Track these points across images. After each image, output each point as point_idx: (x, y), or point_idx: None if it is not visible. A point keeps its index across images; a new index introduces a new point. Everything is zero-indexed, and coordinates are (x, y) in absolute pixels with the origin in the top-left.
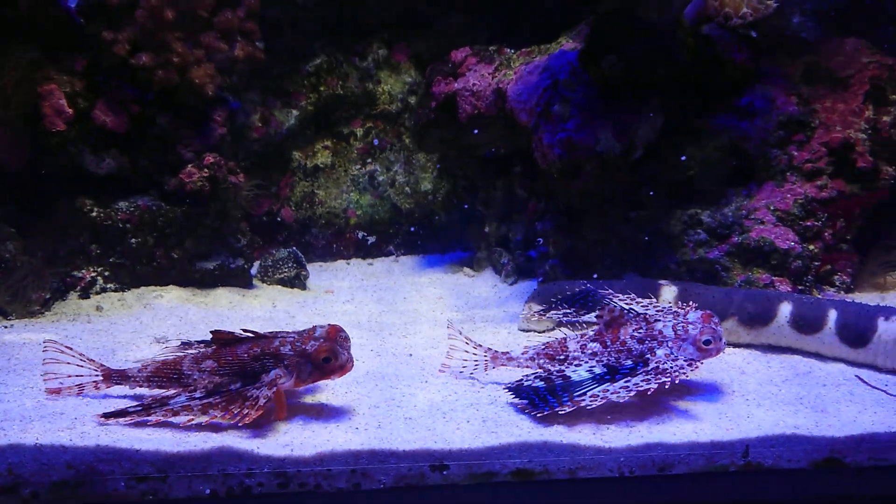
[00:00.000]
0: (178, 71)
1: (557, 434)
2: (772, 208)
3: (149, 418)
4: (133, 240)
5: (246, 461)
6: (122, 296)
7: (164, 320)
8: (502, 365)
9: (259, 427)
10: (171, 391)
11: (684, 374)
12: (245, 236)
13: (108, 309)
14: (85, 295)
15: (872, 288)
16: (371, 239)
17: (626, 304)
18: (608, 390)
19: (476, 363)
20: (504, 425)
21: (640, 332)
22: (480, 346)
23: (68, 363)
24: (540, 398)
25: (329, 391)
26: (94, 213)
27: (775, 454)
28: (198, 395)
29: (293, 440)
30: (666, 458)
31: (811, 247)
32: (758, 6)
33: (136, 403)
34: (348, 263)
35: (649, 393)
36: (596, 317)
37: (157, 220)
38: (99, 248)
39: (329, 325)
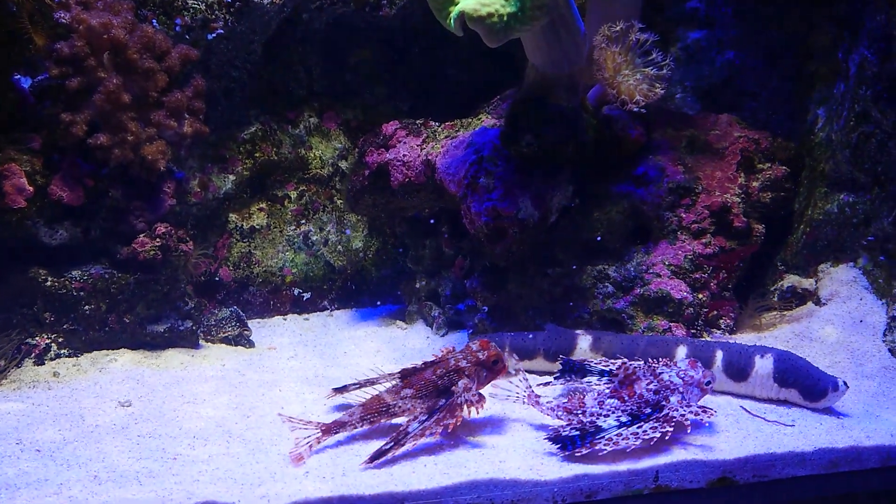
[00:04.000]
0: (132, 148)
1: (501, 471)
2: (667, 263)
3: (405, 448)
4: (86, 307)
5: None
6: (77, 361)
7: (121, 384)
8: (532, 405)
9: (454, 436)
10: (384, 421)
11: (701, 420)
12: (192, 300)
13: (64, 375)
14: (40, 361)
15: (751, 329)
16: (306, 295)
17: (605, 366)
18: (621, 435)
19: (517, 395)
20: (454, 466)
21: (654, 385)
22: (524, 382)
23: (296, 427)
24: (571, 442)
25: (294, 445)
26: (49, 283)
27: (679, 477)
28: (423, 417)
29: (268, 491)
30: (592, 486)
31: (700, 296)
32: (648, 93)
33: (387, 441)
34: (285, 319)
35: (652, 442)
36: (610, 376)
37: (111, 288)
38: (52, 315)
39: (479, 339)
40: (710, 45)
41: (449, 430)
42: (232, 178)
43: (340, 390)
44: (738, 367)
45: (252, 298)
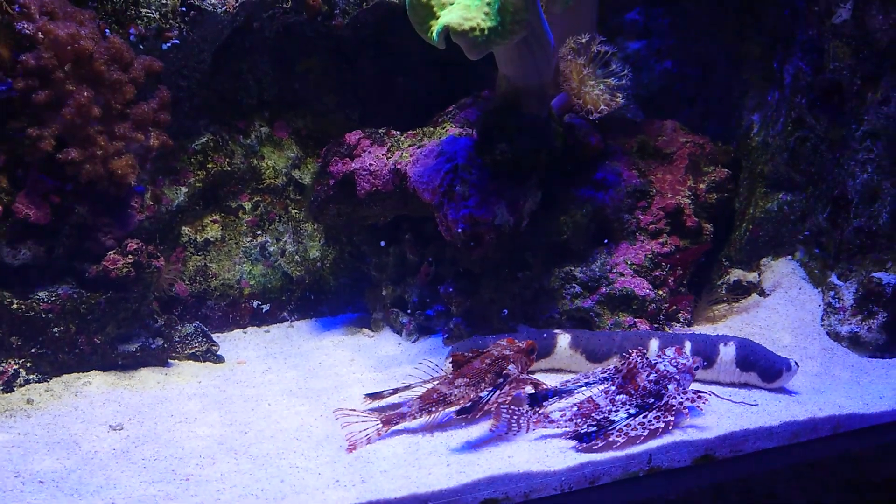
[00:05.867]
0: (101, 163)
1: (512, 466)
2: (629, 263)
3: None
4: (55, 329)
5: None
6: (48, 386)
7: (103, 407)
8: (543, 427)
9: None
10: (442, 409)
11: (696, 405)
12: (161, 317)
13: (38, 401)
14: (8, 388)
15: (706, 321)
16: (266, 307)
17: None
18: (630, 426)
19: (520, 425)
20: (468, 465)
21: (654, 375)
22: (528, 407)
23: (356, 421)
24: (588, 437)
25: (302, 457)
26: (15, 305)
27: (669, 458)
28: (484, 393)
29: None
30: (595, 473)
31: (660, 292)
32: (610, 102)
33: (466, 404)
34: (245, 332)
35: (658, 433)
36: (615, 371)
37: (80, 308)
38: (19, 339)
39: (506, 337)
40: (649, 54)
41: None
42: (184, 190)
43: (375, 396)
44: (705, 355)
45: (210, 313)
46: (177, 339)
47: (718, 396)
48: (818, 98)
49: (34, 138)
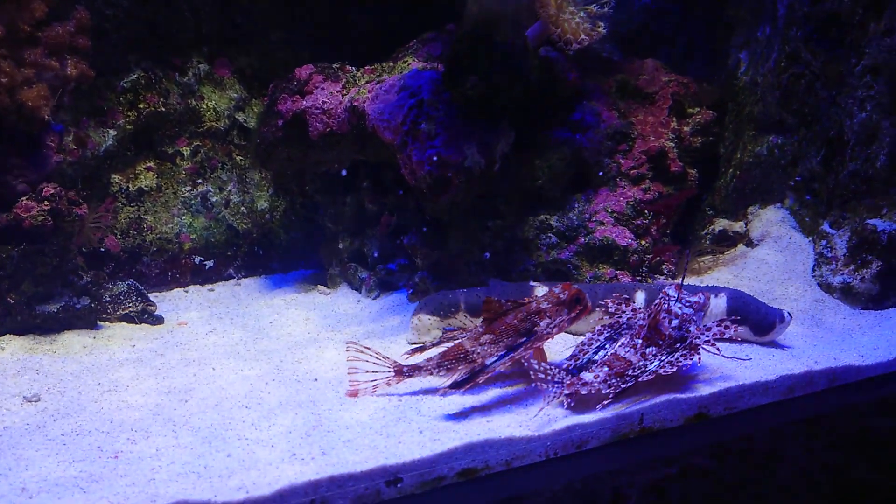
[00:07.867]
0: (7, 92)
1: (492, 431)
2: (609, 210)
3: (480, 379)
4: None
5: None
6: None
7: (18, 376)
8: (577, 391)
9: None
10: (462, 368)
11: (726, 334)
12: (87, 273)
13: None
14: None
15: (691, 273)
16: (209, 263)
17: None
18: (661, 365)
19: (554, 395)
20: (443, 431)
21: (675, 321)
22: (558, 370)
23: (366, 361)
24: (624, 392)
25: (252, 428)
26: None
27: (661, 417)
28: (501, 353)
29: (244, 482)
30: (582, 436)
31: (643, 242)
32: (591, 32)
33: (463, 372)
34: (186, 291)
35: (685, 368)
36: (640, 324)
37: None
38: None
39: (562, 283)
40: None
41: (525, 358)
42: (113, 133)
43: (419, 350)
44: None
45: (147, 270)
46: (107, 299)
47: (708, 351)
48: (816, 30)
49: None
